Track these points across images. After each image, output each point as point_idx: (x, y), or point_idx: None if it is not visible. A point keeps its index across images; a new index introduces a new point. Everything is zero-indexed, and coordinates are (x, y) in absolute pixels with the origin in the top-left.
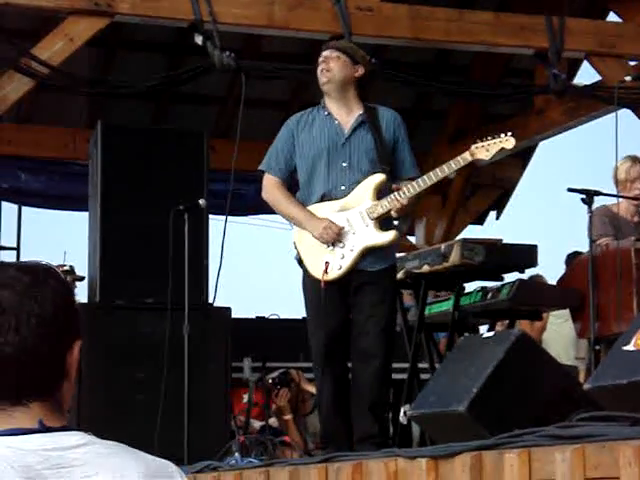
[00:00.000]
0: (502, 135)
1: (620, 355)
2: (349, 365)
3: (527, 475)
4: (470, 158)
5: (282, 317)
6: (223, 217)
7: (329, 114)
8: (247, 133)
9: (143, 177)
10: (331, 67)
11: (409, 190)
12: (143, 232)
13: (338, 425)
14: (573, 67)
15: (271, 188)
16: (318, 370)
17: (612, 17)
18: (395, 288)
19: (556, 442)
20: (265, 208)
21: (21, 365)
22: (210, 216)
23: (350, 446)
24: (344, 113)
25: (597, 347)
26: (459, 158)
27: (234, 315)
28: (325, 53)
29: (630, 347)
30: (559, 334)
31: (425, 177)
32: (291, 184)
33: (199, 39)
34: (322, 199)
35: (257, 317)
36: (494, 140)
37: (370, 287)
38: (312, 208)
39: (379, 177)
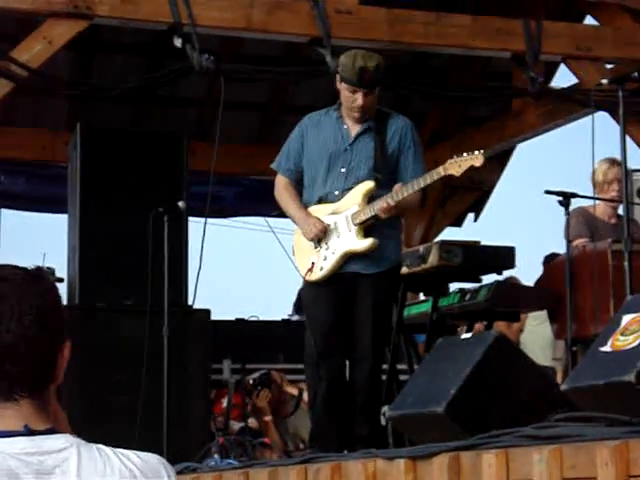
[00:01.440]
0: (475, 152)
1: (597, 356)
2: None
3: (505, 475)
4: (443, 173)
5: (262, 319)
6: (202, 219)
7: (341, 117)
8: (227, 136)
9: (122, 179)
10: (366, 104)
11: (393, 197)
12: (122, 234)
13: (328, 425)
14: (550, 70)
15: (279, 188)
16: (309, 370)
17: (589, 20)
18: (392, 290)
19: (533, 442)
20: (244, 210)
21: (19, 356)
22: (190, 218)
23: (338, 447)
24: (357, 119)
25: (574, 348)
26: (433, 172)
27: (213, 317)
28: (365, 91)
29: (607, 348)
30: (537, 335)
31: (405, 187)
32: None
33: (178, 42)
34: (319, 202)
35: (237, 319)
36: (465, 157)
37: (365, 290)
38: (310, 210)
39: (368, 184)
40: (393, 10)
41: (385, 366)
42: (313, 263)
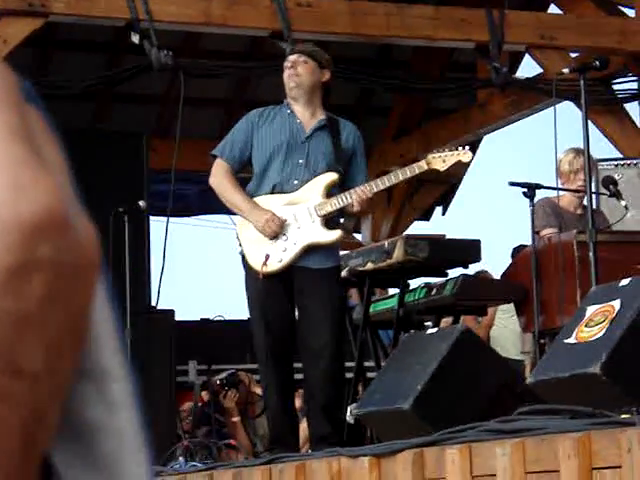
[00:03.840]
0: (460, 148)
1: (562, 348)
2: (295, 365)
3: (468, 470)
4: (426, 167)
5: (227, 318)
6: (165, 218)
7: (292, 112)
8: (188, 132)
9: (82, 179)
10: (299, 72)
11: (372, 187)
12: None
13: (285, 425)
14: (515, 60)
15: (219, 174)
16: (263, 368)
17: (552, 9)
18: (341, 287)
19: (497, 437)
20: (208, 208)
21: None
22: (153, 218)
23: (297, 446)
24: (307, 116)
25: (542, 341)
26: (415, 166)
27: (178, 317)
28: (292, 57)
29: (572, 340)
30: (507, 329)
31: (380, 180)
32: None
33: (136, 38)
34: (272, 191)
35: (202, 319)
36: (452, 152)
37: (316, 286)
38: (260, 199)
39: (331, 176)
40: (354, 2)
41: (352, 363)
42: (268, 255)
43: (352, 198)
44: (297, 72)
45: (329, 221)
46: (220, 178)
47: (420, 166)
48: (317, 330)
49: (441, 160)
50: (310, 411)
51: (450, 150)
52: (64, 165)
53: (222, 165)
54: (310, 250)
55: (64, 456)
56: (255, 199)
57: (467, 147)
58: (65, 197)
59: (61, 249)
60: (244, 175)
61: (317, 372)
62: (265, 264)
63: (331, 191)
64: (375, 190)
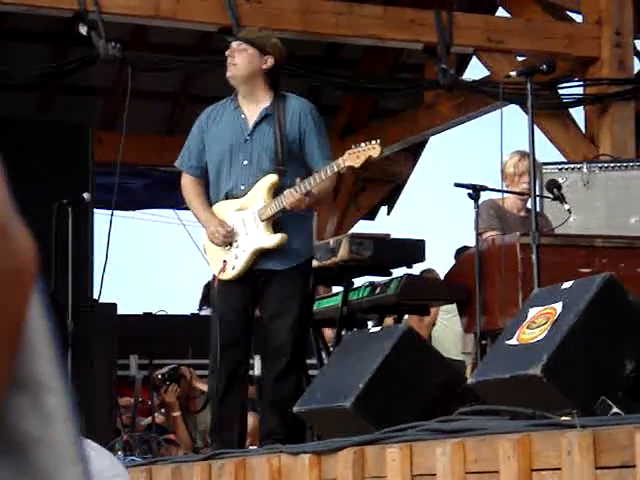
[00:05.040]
0: (372, 142)
1: (503, 349)
2: (252, 363)
3: (409, 469)
4: (342, 164)
5: (170, 313)
6: (110, 211)
7: (238, 107)
8: (135, 125)
9: (25, 170)
10: (236, 61)
11: (300, 188)
12: (25, 227)
13: (226, 420)
14: (463, 62)
15: (184, 187)
16: (212, 361)
17: (501, 12)
18: (306, 285)
19: (437, 436)
20: (154, 202)
21: None
22: (97, 211)
23: (240, 442)
24: (252, 105)
25: (484, 341)
26: (334, 164)
27: (120, 311)
28: (233, 45)
29: (513, 341)
30: (449, 329)
31: (307, 180)
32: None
33: (84, 29)
34: (226, 198)
35: (144, 313)
36: (363, 148)
37: (277, 285)
38: (216, 207)
39: (271, 178)
40: None
41: None
42: (225, 262)
43: (285, 202)
44: (234, 61)
45: (276, 223)
46: (185, 191)
47: (338, 164)
48: (278, 328)
49: (355, 156)
50: (262, 406)
51: (365, 145)
52: (0, 169)
53: (186, 178)
54: (269, 253)
55: None
56: (214, 207)
57: (377, 140)
58: (2, 203)
59: None
60: None
61: (275, 368)
62: (223, 270)
63: (277, 192)
64: (303, 191)
